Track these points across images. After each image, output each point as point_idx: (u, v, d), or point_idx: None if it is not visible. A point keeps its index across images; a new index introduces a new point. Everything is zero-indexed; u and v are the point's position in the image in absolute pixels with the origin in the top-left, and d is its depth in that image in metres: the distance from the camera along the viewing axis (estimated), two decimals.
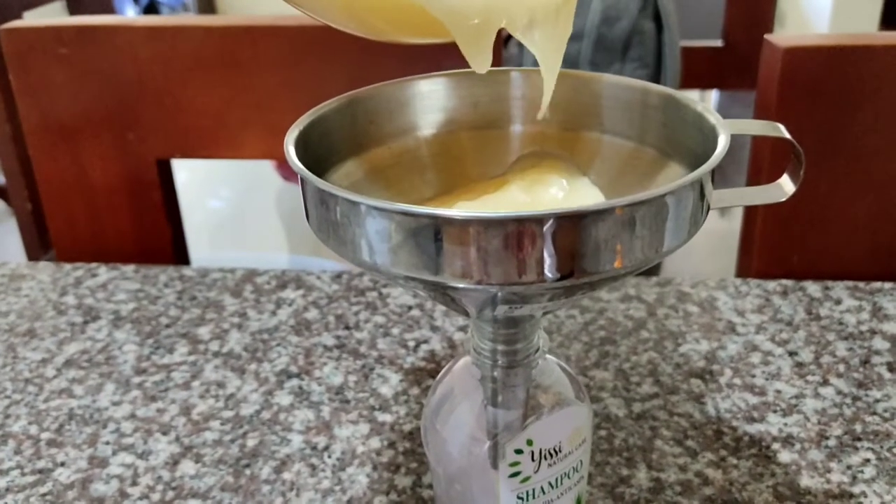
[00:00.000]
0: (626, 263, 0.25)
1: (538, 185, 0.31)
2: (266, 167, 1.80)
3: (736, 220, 0.74)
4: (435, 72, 0.34)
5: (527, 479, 0.32)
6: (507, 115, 0.34)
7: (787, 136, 0.28)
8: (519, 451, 0.31)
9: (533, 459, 0.32)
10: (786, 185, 0.29)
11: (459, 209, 0.23)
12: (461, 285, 0.25)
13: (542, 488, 0.32)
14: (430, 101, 0.34)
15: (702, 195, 0.26)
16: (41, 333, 0.59)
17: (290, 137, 0.28)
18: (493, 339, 0.31)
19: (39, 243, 1.37)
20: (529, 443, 0.31)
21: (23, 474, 0.46)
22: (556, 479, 0.33)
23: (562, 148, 0.32)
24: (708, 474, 0.45)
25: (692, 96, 0.30)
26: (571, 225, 0.23)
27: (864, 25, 2.02)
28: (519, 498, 0.32)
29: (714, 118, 0.28)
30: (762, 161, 0.64)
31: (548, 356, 0.34)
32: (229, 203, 2.13)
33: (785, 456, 0.46)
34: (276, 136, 0.77)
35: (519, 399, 0.32)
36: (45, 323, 0.60)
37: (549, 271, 0.24)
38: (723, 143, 0.26)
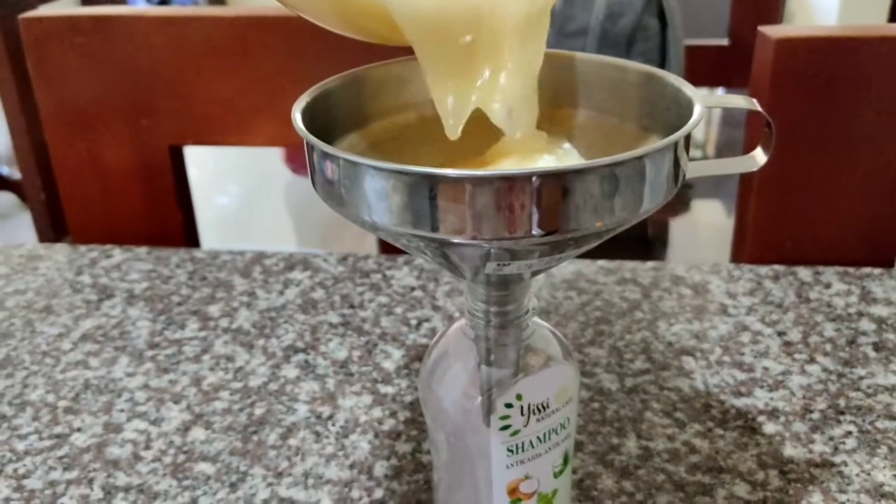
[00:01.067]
0: (607, 221, 0.27)
1: (533, 154, 0.33)
2: (275, 161, 1.83)
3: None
4: None
5: (516, 432, 0.34)
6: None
7: (759, 109, 0.30)
8: (509, 406, 0.33)
9: (522, 414, 0.34)
10: (758, 157, 0.31)
11: (453, 169, 0.25)
12: (455, 240, 0.27)
13: (530, 442, 0.34)
14: None
15: (676, 161, 0.28)
16: (58, 310, 0.61)
17: (297, 107, 0.30)
18: (486, 301, 0.33)
19: (53, 235, 1.40)
20: (519, 398, 0.33)
21: (41, 439, 0.49)
22: (545, 434, 0.35)
23: (549, 123, 0.34)
24: (695, 444, 0.47)
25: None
26: (555, 183, 0.25)
27: (871, 23, 2.03)
28: (509, 450, 0.34)
29: (690, 91, 0.30)
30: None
31: (538, 319, 0.36)
32: (238, 198, 2.16)
33: (770, 427, 0.48)
34: (286, 123, 0.79)
35: (510, 358, 0.34)
36: (61, 300, 0.62)
37: (535, 227, 0.26)
38: (698, 112, 0.28)
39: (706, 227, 1.67)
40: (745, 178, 0.69)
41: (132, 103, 0.73)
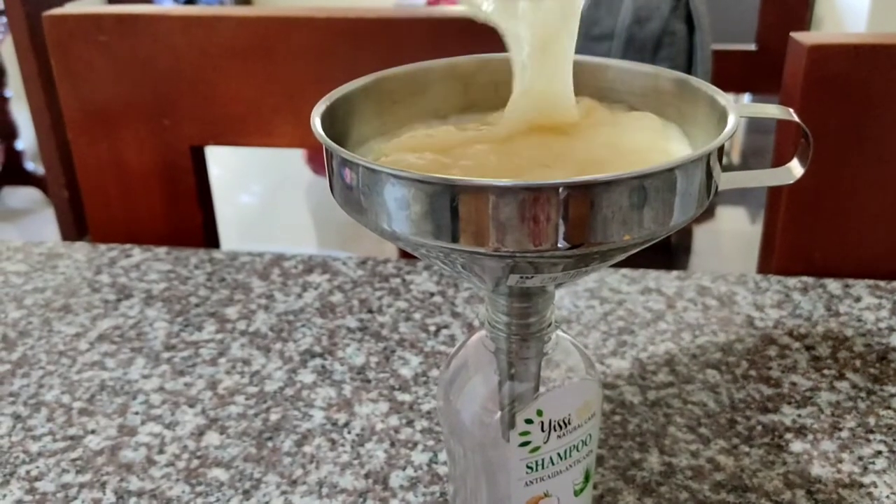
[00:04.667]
0: (635, 235, 0.26)
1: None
2: (296, 162, 1.83)
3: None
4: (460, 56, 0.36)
5: (536, 448, 0.33)
6: None
7: (796, 119, 0.29)
8: (529, 421, 0.32)
9: (543, 430, 0.33)
10: (794, 169, 0.30)
11: (473, 178, 0.24)
12: (476, 252, 0.26)
13: (551, 459, 0.33)
14: (453, 82, 0.35)
15: (709, 172, 0.27)
16: (76, 309, 0.61)
17: (316, 111, 0.30)
18: (508, 313, 0.32)
19: (76, 231, 1.41)
20: (539, 413, 0.32)
21: (55, 440, 0.48)
22: (565, 451, 0.34)
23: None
24: (720, 461, 0.46)
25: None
26: (583, 194, 0.24)
27: None
28: (528, 467, 0.33)
29: (724, 100, 0.29)
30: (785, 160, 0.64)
31: (560, 333, 0.35)
32: (260, 198, 2.16)
33: (797, 446, 0.47)
34: (307, 125, 0.79)
35: (531, 371, 0.33)
36: (79, 299, 0.62)
37: (561, 239, 0.25)
38: (732, 122, 0.27)
39: (731, 234, 1.65)
40: (775, 188, 0.67)
41: (154, 103, 0.73)
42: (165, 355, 0.55)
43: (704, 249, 1.50)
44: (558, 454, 0.33)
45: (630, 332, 0.57)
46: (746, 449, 0.47)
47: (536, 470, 0.33)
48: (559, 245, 0.25)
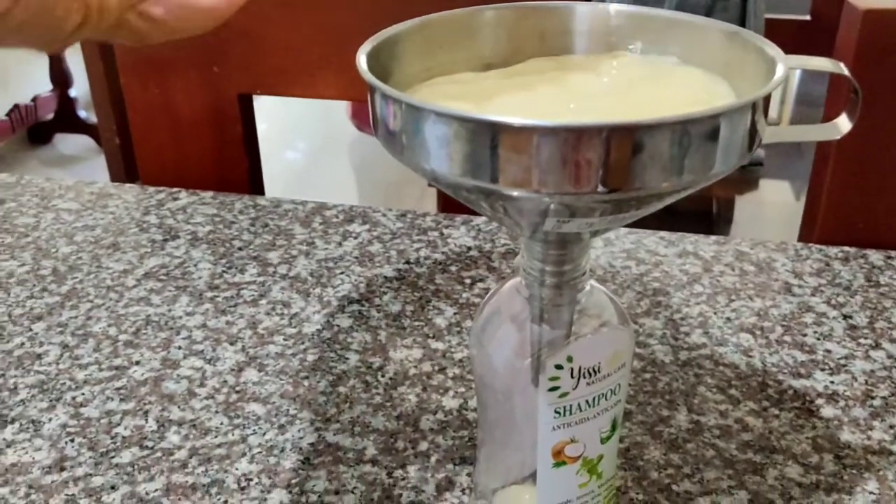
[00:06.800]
0: (676, 181, 0.26)
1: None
2: (341, 119, 1.83)
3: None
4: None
5: (565, 394, 0.33)
6: (572, 48, 0.35)
7: (846, 72, 0.29)
8: (559, 367, 0.33)
9: (572, 376, 0.33)
10: (842, 124, 0.30)
11: (517, 117, 0.25)
12: (515, 193, 0.26)
13: (579, 405, 0.34)
14: (498, 29, 0.35)
15: (754, 123, 0.27)
16: (124, 247, 0.63)
17: (362, 50, 0.30)
18: (543, 260, 0.33)
19: (126, 178, 1.44)
20: (570, 359, 0.33)
21: (100, 370, 0.50)
22: (594, 399, 0.34)
23: None
24: (748, 421, 0.46)
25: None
26: (626, 137, 0.24)
27: None
28: (556, 412, 0.34)
29: (773, 51, 0.28)
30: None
31: (594, 283, 0.35)
32: (304, 154, 2.18)
33: (828, 411, 0.47)
34: (352, 76, 0.79)
35: (563, 319, 0.34)
36: (127, 238, 0.64)
37: (600, 183, 0.25)
38: (780, 71, 0.27)
39: (773, 206, 1.62)
40: (821, 155, 0.66)
41: (205, 50, 0.74)
42: (209, 294, 0.57)
43: (745, 221, 1.48)
44: (587, 401, 0.34)
45: (665, 294, 0.57)
46: (776, 412, 0.47)
47: (564, 415, 0.34)
48: (598, 189, 0.25)
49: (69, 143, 2.46)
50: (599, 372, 0.34)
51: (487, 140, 0.25)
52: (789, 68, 0.28)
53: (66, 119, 2.43)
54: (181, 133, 0.77)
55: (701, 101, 0.30)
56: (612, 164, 0.25)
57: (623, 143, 0.25)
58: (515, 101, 0.30)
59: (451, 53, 0.35)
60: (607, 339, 0.34)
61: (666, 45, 0.34)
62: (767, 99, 0.27)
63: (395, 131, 0.28)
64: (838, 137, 0.30)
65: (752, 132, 0.27)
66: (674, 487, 0.42)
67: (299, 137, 2.21)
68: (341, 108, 1.74)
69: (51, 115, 2.44)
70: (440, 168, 0.27)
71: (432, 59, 0.35)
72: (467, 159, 0.26)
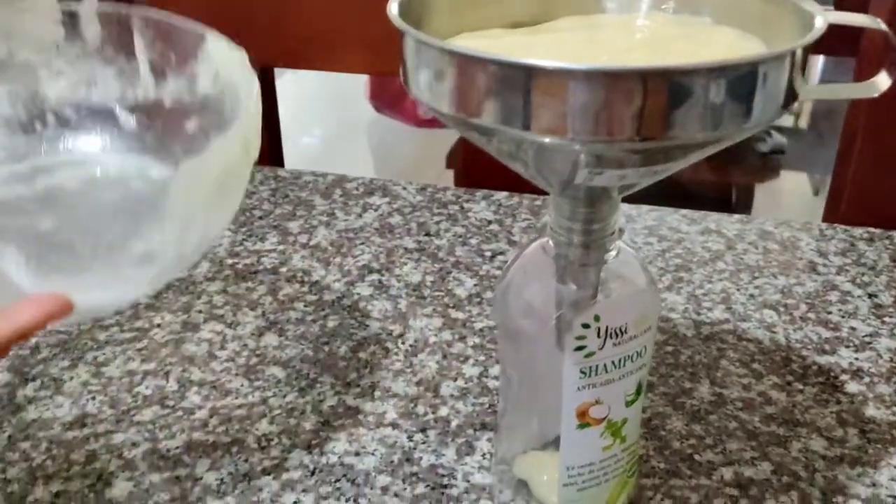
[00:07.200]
0: (711, 132, 0.25)
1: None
2: (359, 101, 1.83)
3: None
4: None
5: (591, 354, 0.33)
6: (602, 7, 0.35)
7: (885, 28, 0.28)
8: (586, 326, 0.32)
9: (598, 336, 0.33)
10: (881, 82, 0.29)
11: (552, 60, 0.24)
12: (548, 140, 0.26)
13: (604, 366, 0.34)
14: None
15: (791, 76, 0.26)
16: None
17: (393, 1, 0.30)
18: (571, 217, 0.32)
19: None
20: (597, 318, 0.32)
21: (122, 331, 0.50)
22: (620, 360, 0.34)
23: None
24: (771, 395, 0.46)
25: None
26: (662, 81, 0.24)
27: None
28: (582, 372, 0.33)
29: (811, 6, 0.28)
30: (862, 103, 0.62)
31: (623, 245, 0.35)
32: (320, 138, 2.18)
33: (852, 387, 0.46)
34: (375, 50, 0.79)
35: (590, 279, 0.34)
36: None
37: (636, 130, 0.25)
38: (819, 23, 0.26)
39: (791, 196, 1.61)
40: (847, 136, 0.65)
41: (228, 21, 0.73)
42: (229, 261, 0.57)
43: (763, 210, 1.46)
44: (612, 362, 0.34)
45: (687, 270, 0.57)
46: (800, 386, 0.46)
47: (590, 375, 0.34)
48: (633, 137, 0.25)
49: None
50: (626, 333, 0.33)
51: (521, 84, 0.25)
52: (828, 22, 0.27)
53: None
54: None
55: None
56: (648, 111, 0.25)
57: (659, 89, 0.24)
58: (546, 53, 0.30)
59: (480, 10, 0.35)
60: (635, 301, 0.34)
61: (699, 6, 0.33)
62: (806, 54, 0.27)
63: (427, 79, 0.28)
64: (876, 95, 0.29)
65: (790, 86, 0.27)
66: (696, 457, 0.42)
67: (316, 120, 2.21)
68: (359, 89, 1.74)
69: None
70: (473, 116, 0.27)
71: (461, 16, 0.34)
72: (500, 105, 0.26)
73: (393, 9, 0.29)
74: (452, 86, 0.27)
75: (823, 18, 0.27)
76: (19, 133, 0.42)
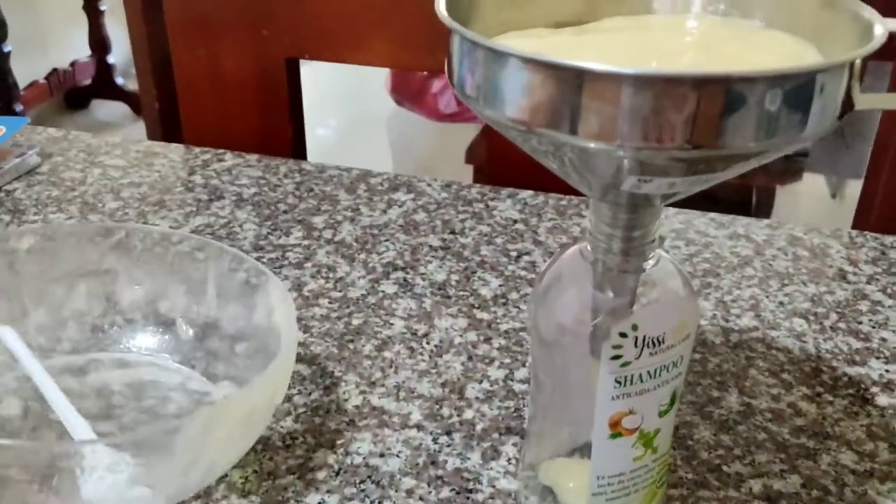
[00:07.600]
0: (765, 141, 0.25)
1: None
2: (376, 93, 1.82)
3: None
4: None
5: (627, 363, 0.33)
6: (650, 8, 0.34)
7: None
8: (623, 335, 0.32)
9: (636, 346, 0.32)
10: None
11: (603, 64, 0.24)
12: (594, 145, 0.25)
13: (640, 376, 0.33)
14: None
15: (850, 85, 0.25)
16: (170, 205, 0.63)
17: None
18: (612, 224, 0.32)
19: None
20: (634, 328, 0.32)
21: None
22: (656, 370, 0.33)
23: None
24: (801, 406, 0.45)
25: None
26: (717, 88, 0.23)
27: None
28: (617, 381, 0.33)
29: (870, 14, 0.27)
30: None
31: (662, 252, 0.34)
32: (339, 131, 2.17)
33: (883, 399, 0.46)
34: (401, 43, 0.78)
35: (628, 286, 0.33)
36: (173, 196, 0.64)
37: (688, 138, 0.24)
38: (879, 32, 0.26)
39: (809, 200, 1.59)
40: (881, 143, 0.65)
41: (254, 12, 0.73)
42: (254, 255, 0.57)
43: (783, 214, 1.45)
44: (648, 372, 0.33)
45: (715, 275, 0.56)
46: (830, 398, 0.46)
47: (625, 385, 0.33)
48: (683, 144, 0.24)
49: (105, 109, 2.47)
50: (664, 342, 0.33)
51: (570, 87, 0.24)
52: (888, 31, 0.27)
53: (104, 85, 2.44)
54: (227, 95, 0.77)
55: (790, 63, 0.29)
56: (701, 118, 0.24)
57: (715, 96, 0.24)
58: (594, 55, 0.29)
59: (525, 9, 0.34)
60: (674, 310, 0.33)
61: (750, 9, 0.33)
62: (865, 63, 0.26)
63: (469, 76, 0.27)
64: None
65: (848, 95, 0.26)
66: (724, 468, 0.41)
67: (334, 112, 2.20)
68: (377, 81, 1.73)
69: (88, 81, 2.45)
70: (518, 115, 0.26)
71: (506, 15, 0.34)
72: (547, 108, 0.25)
73: (441, 7, 0.28)
74: (500, 86, 0.26)
75: (884, 26, 0.26)
76: (87, 329, 0.47)
